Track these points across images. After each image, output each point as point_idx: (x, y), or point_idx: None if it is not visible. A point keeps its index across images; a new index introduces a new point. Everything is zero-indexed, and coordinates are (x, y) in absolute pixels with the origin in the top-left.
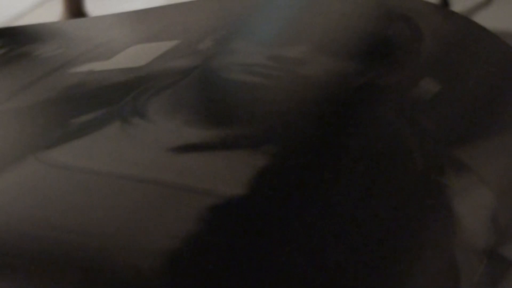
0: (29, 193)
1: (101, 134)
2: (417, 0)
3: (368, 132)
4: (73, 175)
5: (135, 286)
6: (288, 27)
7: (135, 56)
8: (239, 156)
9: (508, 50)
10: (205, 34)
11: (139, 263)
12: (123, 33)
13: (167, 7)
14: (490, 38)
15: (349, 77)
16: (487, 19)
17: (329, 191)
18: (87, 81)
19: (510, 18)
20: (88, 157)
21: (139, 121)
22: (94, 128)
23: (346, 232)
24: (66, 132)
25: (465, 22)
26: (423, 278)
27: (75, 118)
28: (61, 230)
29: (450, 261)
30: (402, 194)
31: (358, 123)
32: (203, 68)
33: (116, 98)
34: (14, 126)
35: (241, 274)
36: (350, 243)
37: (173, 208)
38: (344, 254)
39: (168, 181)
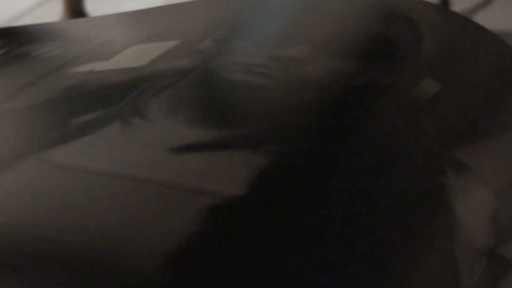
0: (29, 193)
1: (101, 134)
2: (417, 0)
3: (368, 132)
4: (73, 175)
5: (135, 286)
6: (288, 27)
7: (135, 56)
8: (239, 156)
9: (508, 50)
10: (205, 34)
11: (139, 263)
12: (123, 33)
13: (167, 7)
14: (490, 38)
15: (349, 77)
16: (487, 19)
17: (328, 191)
18: (87, 81)
19: (510, 18)
20: (88, 157)
21: (139, 121)
22: (94, 128)
23: (345, 232)
24: (66, 132)
25: (465, 22)
26: (423, 278)
27: (75, 118)
28: (61, 230)
29: (450, 261)
30: (402, 194)
31: (358, 123)
32: (203, 68)
33: (116, 98)
34: (14, 126)
35: (241, 273)
36: (349, 243)
37: (173, 208)
38: (343, 254)
39: (168, 181)
